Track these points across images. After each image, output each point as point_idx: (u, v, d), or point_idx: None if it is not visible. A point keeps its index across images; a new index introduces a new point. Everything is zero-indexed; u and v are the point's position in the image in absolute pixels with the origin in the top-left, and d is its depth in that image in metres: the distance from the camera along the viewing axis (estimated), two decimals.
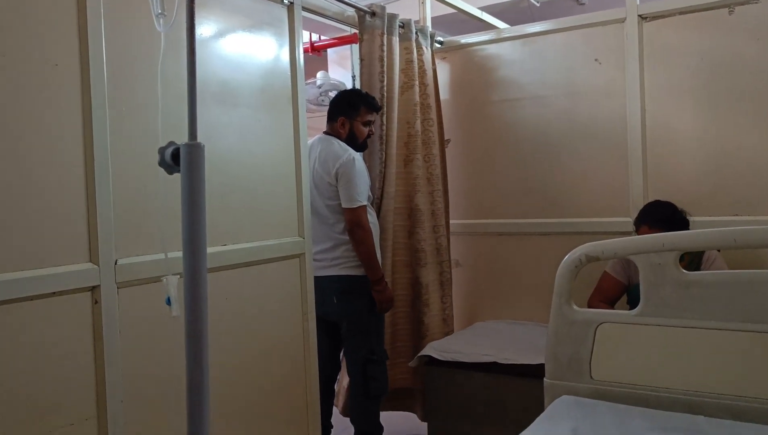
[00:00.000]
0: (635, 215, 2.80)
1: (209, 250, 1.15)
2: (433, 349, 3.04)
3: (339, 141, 2.91)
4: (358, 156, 2.87)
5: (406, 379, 3.29)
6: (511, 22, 4.13)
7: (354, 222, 2.78)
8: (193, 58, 1.08)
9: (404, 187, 3.28)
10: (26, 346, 1.66)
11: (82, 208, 1.80)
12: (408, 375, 3.27)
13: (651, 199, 2.98)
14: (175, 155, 1.10)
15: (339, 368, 3.14)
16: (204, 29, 2.20)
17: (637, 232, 2.68)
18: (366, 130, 2.94)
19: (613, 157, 3.19)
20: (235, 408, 2.28)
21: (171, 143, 1.11)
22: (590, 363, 1.91)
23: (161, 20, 1.23)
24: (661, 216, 2.65)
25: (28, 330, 1.66)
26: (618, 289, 2.82)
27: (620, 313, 1.96)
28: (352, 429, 2.93)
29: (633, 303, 2.43)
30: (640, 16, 3.05)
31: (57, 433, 1.71)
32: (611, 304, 2.81)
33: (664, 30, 3.03)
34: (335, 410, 3.19)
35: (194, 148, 1.09)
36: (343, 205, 2.80)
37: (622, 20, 3.11)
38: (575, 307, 1.96)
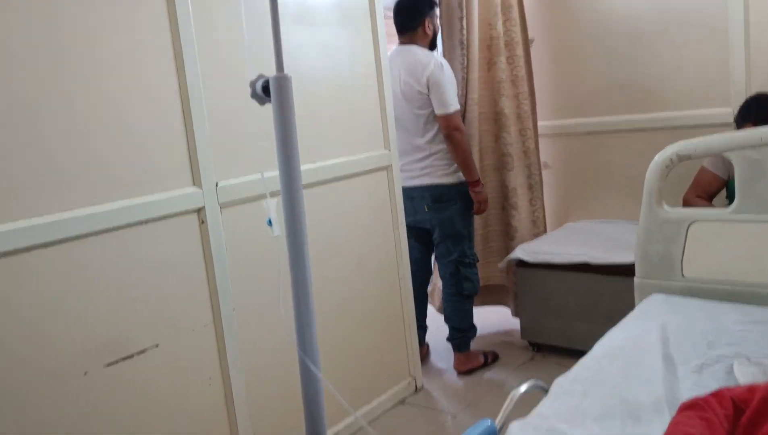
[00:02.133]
0: (737, 104, 2.64)
1: (301, 167, 1.22)
2: (522, 251, 3.08)
3: (420, 48, 2.88)
4: (445, 62, 2.85)
5: (497, 277, 3.38)
6: None
7: (451, 126, 2.80)
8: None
9: (488, 91, 3.23)
10: (146, 265, 1.84)
11: (181, 136, 1.92)
12: (500, 273, 3.37)
13: (755, 86, 2.80)
14: (265, 87, 1.16)
15: (431, 272, 3.26)
16: None
17: (739, 129, 2.54)
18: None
19: (711, 44, 2.98)
20: (335, 314, 2.45)
21: (260, 76, 1.17)
22: (682, 261, 1.90)
23: None
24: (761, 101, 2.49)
25: (146, 251, 1.84)
26: (716, 184, 2.71)
27: (713, 211, 1.92)
28: (446, 328, 3.07)
29: (732, 198, 2.35)
30: None
31: (181, 337, 1.92)
32: (709, 199, 2.72)
33: None
34: (430, 309, 3.34)
35: (282, 80, 1.14)
36: (438, 112, 2.81)
37: None
38: (666, 206, 1.93)
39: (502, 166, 3.29)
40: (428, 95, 2.80)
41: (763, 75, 2.83)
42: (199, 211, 1.97)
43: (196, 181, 1.96)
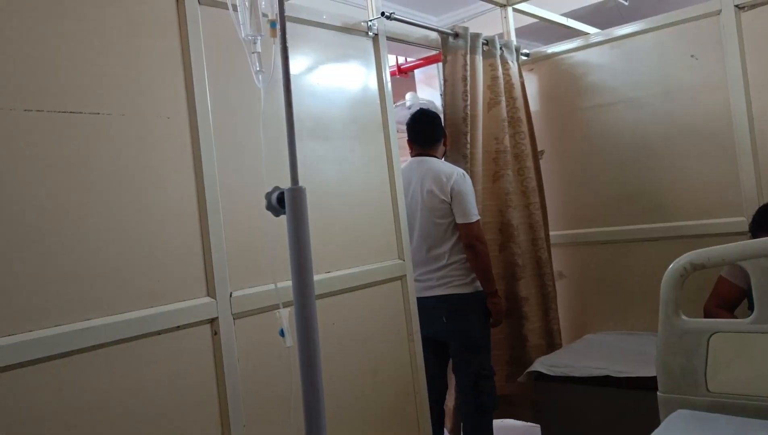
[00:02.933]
0: (749, 213, 2.65)
1: (314, 277, 1.23)
2: (542, 364, 3.01)
3: (438, 159, 2.97)
4: (466, 173, 2.93)
5: (506, 388, 3.29)
6: (598, 24, 4.06)
7: (473, 236, 2.83)
8: (290, 114, 1.17)
9: (495, 201, 3.29)
10: (157, 378, 1.81)
11: (198, 247, 1.95)
12: (506, 383, 3.28)
13: (766, 194, 2.82)
14: (280, 198, 1.19)
15: (447, 387, 3.17)
16: (295, 67, 2.33)
17: (756, 238, 2.54)
18: None
19: (718, 153, 3.05)
20: (349, 428, 2.36)
21: (276, 188, 1.20)
22: (705, 374, 1.84)
23: (260, 77, 1.34)
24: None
25: (158, 364, 1.82)
26: (736, 293, 2.67)
27: (733, 321, 1.88)
28: None
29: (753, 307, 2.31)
30: (736, 6, 2.92)
31: None
32: (730, 310, 2.67)
33: (764, 17, 2.87)
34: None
35: (297, 192, 1.18)
36: (459, 221, 2.85)
37: (718, 12, 2.98)
38: (684, 317, 1.90)
39: (510, 276, 3.28)
40: (450, 205, 2.85)
41: None
42: (213, 321, 1.96)
43: (210, 291, 1.97)
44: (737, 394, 1.79)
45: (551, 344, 3.32)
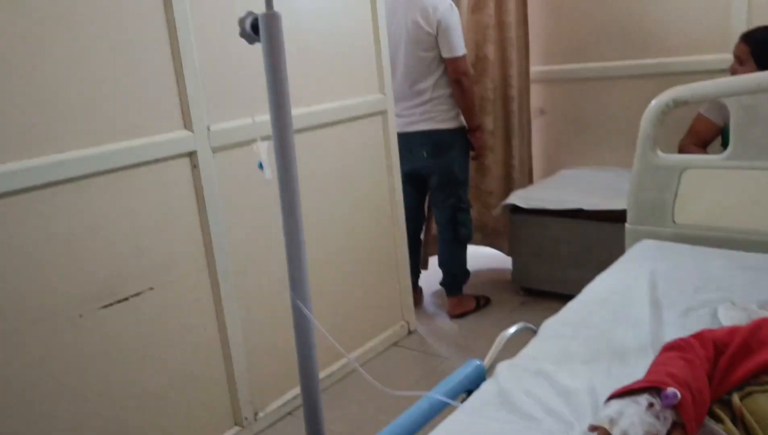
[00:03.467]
0: None
1: (294, 111, 1.21)
2: (517, 197, 3.09)
3: None
4: (453, 5, 2.80)
5: (487, 219, 3.45)
6: None
7: (460, 70, 2.78)
8: None
9: (473, 35, 3.19)
10: (140, 209, 1.84)
11: (171, 79, 1.89)
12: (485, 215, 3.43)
13: None
14: (254, 25, 1.13)
15: (425, 219, 3.27)
16: None
17: (735, 52, 2.50)
18: None
19: None
20: (329, 258, 2.47)
21: (249, 13, 1.14)
22: (673, 208, 1.91)
23: None
24: (764, 42, 2.44)
25: (139, 195, 1.84)
26: (712, 131, 2.70)
27: (707, 157, 1.92)
28: (439, 273, 3.11)
29: (727, 145, 2.34)
30: None
31: (176, 282, 1.94)
32: (704, 147, 2.71)
33: None
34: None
35: (272, 18, 1.12)
36: (446, 55, 2.77)
37: None
38: (661, 153, 1.93)
39: (480, 111, 3.27)
40: (436, 38, 2.75)
41: (765, 19, 2.77)
42: (191, 154, 1.95)
43: (187, 124, 1.94)
44: (700, 227, 1.87)
45: (521, 179, 3.40)
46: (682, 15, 3.05)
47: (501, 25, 3.23)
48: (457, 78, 2.79)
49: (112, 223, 1.77)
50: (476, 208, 3.45)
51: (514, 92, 3.31)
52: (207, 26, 1.95)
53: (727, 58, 2.72)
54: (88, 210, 1.72)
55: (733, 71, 2.49)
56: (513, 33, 3.26)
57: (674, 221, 1.91)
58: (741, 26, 2.81)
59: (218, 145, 2.01)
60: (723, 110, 2.62)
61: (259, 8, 1.15)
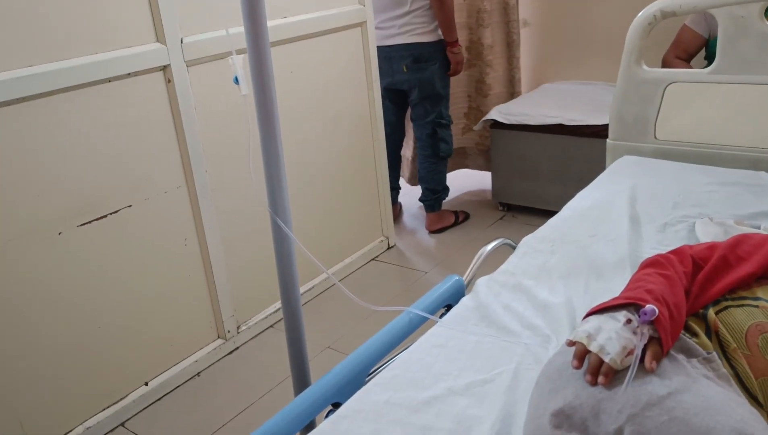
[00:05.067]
0: None
1: (269, 23, 1.15)
2: (498, 112, 3.05)
3: None
4: None
5: (461, 140, 3.39)
6: None
7: None
8: None
9: None
10: (115, 124, 1.79)
11: None
12: (462, 135, 3.38)
13: None
14: None
15: (404, 134, 3.24)
16: None
17: None
18: None
19: None
20: (309, 174, 2.45)
21: None
22: (656, 123, 1.90)
23: None
24: None
25: (113, 110, 1.78)
26: (696, 43, 2.66)
27: (692, 71, 1.89)
28: (419, 189, 3.11)
29: (711, 58, 2.31)
30: None
31: (154, 199, 1.92)
32: (688, 60, 2.68)
33: None
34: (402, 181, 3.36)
35: None
36: None
37: None
38: (645, 66, 1.90)
39: (475, 23, 3.17)
40: None
41: None
42: (165, 68, 1.88)
43: (159, 37, 1.86)
44: (681, 141, 1.87)
45: (512, 93, 3.34)
46: None
47: None
48: None
49: (87, 140, 1.73)
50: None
51: (512, 8, 3.20)
52: None
53: None
54: (61, 126, 1.67)
55: None
56: None
57: (656, 137, 1.91)
58: None
59: (192, 58, 1.93)
60: (709, 21, 2.58)
61: None
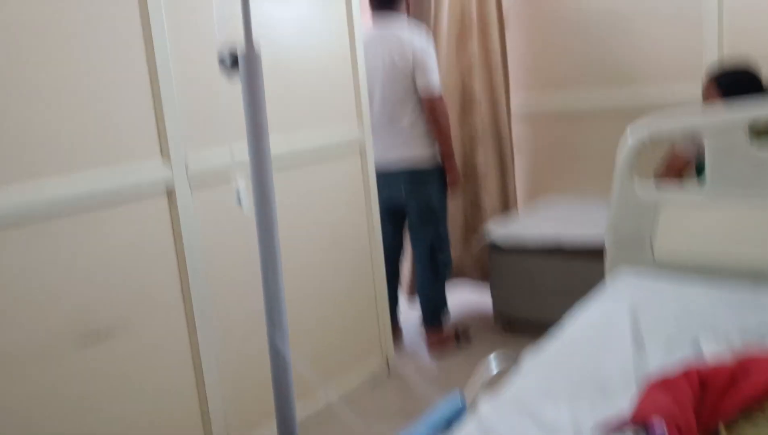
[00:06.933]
0: None
1: (271, 144, 1.20)
2: (494, 231, 3.09)
3: (403, 23, 2.85)
4: (430, 39, 2.83)
5: (457, 261, 3.42)
6: None
7: (437, 111, 2.81)
8: None
9: (458, 66, 3.22)
10: (112, 246, 1.80)
11: (149, 107, 1.87)
12: (461, 250, 3.41)
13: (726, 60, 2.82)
14: (234, 59, 1.13)
15: (403, 254, 3.26)
16: None
17: (703, 88, 2.56)
18: None
19: (684, 17, 3.01)
20: (308, 293, 2.43)
21: (229, 47, 1.14)
22: (652, 243, 1.91)
23: None
24: (728, 80, 2.50)
25: (114, 231, 1.80)
26: (686, 165, 2.73)
27: (685, 192, 1.93)
28: (419, 311, 3.08)
29: (701, 173, 2.36)
30: None
31: (149, 319, 1.89)
32: (680, 176, 2.73)
33: None
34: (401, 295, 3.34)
35: (251, 52, 1.11)
36: (424, 95, 2.80)
37: None
38: (638, 186, 1.94)
39: (469, 142, 3.28)
40: (412, 72, 2.78)
41: (737, 50, 2.84)
42: (169, 190, 1.93)
43: (164, 154, 1.92)
44: (680, 261, 1.88)
45: (507, 209, 3.41)
46: (654, 46, 3.13)
47: (486, 55, 3.28)
48: (434, 117, 2.81)
49: (85, 263, 1.73)
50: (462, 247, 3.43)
51: (504, 119, 3.34)
52: (186, 56, 1.95)
53: (699, 88, 2.77)
54: (61, 248, 1.68)
55: (705, 105, 2.54)
56: (500, 60, 3.30)
57: (653, 256, 1.92)
58: (713, 55, 2.88)
59: (196, 176, 1.99)
60: (697, 143, 2.67)
61: (240, 43, 1.15)
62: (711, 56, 2.89)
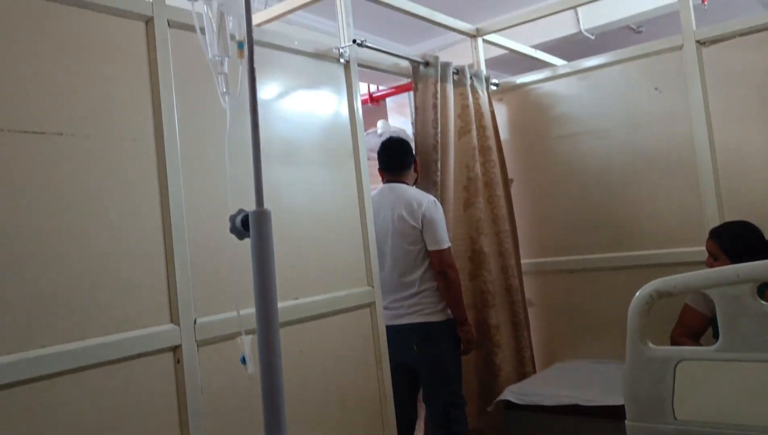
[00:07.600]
0: None
1: (281, 304, 1.20)
2: (511, 392, 3.00)
3: (409, 186, 2.97)
4: (437, 200, 2.93)
5: (472, 421, 3.25)
6: (565, 56, 4.14)
7: (445, 263, 2.83)
8: (256, 136, 1.16)
9: (466, 229, 3.29)
10: (116, 406, 1.75)
11: (162, 273, 1.91)
12: (477, 416, 3.24)
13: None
14: (245, 221, 1.17)
15: (417, 416, 3.13)
16: (266, 92, 2.32)
17: (707, 248, 2.58)
18: None
19: (682, 184, 3.11)
20: None
21: (240, 211, 1.18)
22: (672, 403, 1.84)
23: (226, 98, 1.33)
24: (731, 237, 2.54)
25: (117, 391, 1.76)
26: (701, 322, 2.70)
27: (699, 349, 1.89)
28: None
29: (718, 335, 2.33)
30: (698, 41, 3.00)
31: None
32: (695, 338, 2.69)
33: (724, 53, 2.96)
34: None
35: (262, 215, 1.16)
36: (431, 248, 2.84)
37: (680, 47, 3.06)
38: (651, 344, 1.91)
39: (481, 304, 3.27)
40: (421, 231, 2.84)
41: (735, 212, 2.91)
42: (175, 349, 1.91)
43: (174, 317, 1.92)
44: (704, 422, 1.79)
45: (523, 373, 3.31)
46: (657, 211, 3.21)
47: (495, 219, 3.36)
48: (442, 270, 2.83)
49: (88, 422, 1.68)
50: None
51: (515, 282, 3.34)
52: (200, 219, 2.01)
53: (703, 250, 2.81)
54: (63, 408, 1.63)
55: (710, 265, 2.55)
56: (507, 225, 3.37)
57: (675, 417, 1.83)
58: (714, 220, 2.95)
59: (203, 338, 1.97)
60: (709, 300, 2.65)
61: (250, 206, 1.19)
62: (713, 220, 2.95)
